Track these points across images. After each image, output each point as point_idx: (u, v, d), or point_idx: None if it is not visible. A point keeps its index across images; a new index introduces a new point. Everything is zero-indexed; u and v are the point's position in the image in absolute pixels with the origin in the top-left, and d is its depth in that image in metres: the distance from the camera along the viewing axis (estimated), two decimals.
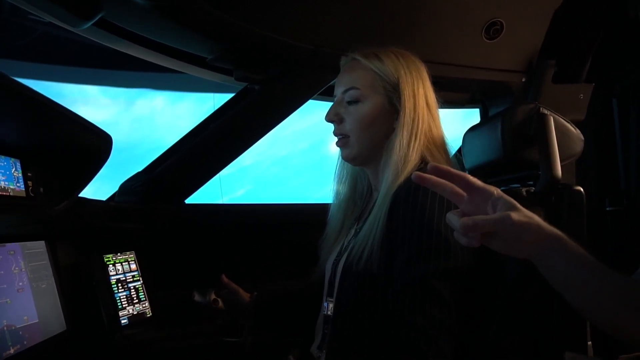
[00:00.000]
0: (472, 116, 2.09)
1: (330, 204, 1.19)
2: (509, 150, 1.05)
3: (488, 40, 1.58)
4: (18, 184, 0.91)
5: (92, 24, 1.13)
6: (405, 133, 0.99)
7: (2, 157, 0.86)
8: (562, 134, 1.05)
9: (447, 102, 1.91)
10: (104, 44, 1.36)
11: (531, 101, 1.25)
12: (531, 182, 1.07)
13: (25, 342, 1.00)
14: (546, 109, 1.04)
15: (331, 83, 1.52)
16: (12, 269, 1.03)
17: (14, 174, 0.90)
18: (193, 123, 1.55)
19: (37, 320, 1.06)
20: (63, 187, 1.03)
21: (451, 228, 0.85)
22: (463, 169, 1.26)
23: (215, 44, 1.31)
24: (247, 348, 1.30)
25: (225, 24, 1.22)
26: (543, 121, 1.01)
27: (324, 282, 1.12)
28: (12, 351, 0.95)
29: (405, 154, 0.97)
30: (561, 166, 0.99)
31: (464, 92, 1.86)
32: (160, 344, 1.32)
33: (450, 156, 1.06)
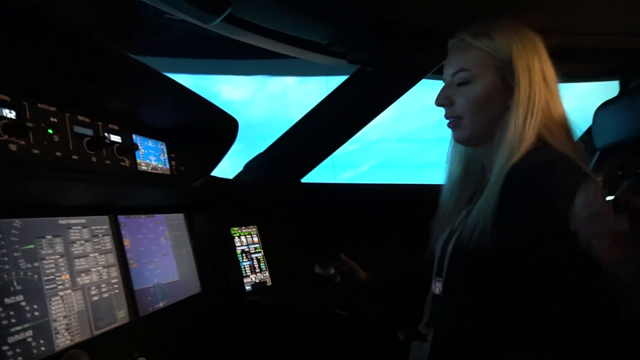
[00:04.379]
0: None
1: (443, 185, 1.18)
2: None
3: None
4: (165, 164, 1.06)
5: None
6: (520, 110, 0.94)
7: (153, 140, 1.01)
8: None
9: (578, 76, 1.74)
10: (228, 36, 1.48)
11: None
12: None
13: (171, 298, 1.18)
14: None
15: (443, 62, 1.48)
16: (160, 238, 1.21)
17: (162, 155, 1.05)
18: (318, 99, 1.60)
19: (178, 278, 1.24)
20: (198, 166, 1.18)
21: (570, 208, 0.80)
22: (592, 150, 1.15)
23: (331, 28, 1.35)
24: (358, 322, 1.36)
25: (341, 7, 1.25)
26: None
27: (433, 262, 1.13)
28: (161, 304, 1.13)
29: (520, 133, 0.93)
30: None
31: (599, 63, 1.66)
32: (280, 311, 1.44)
33: (576, 138, 0.97)
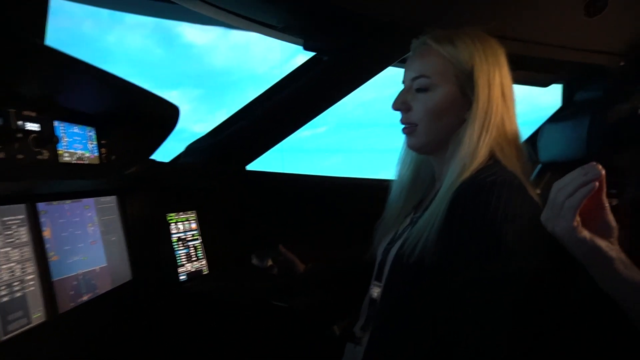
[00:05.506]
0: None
1: (391, 182, 1.16)
2: (594, 152, 0.96)
3: (587, 18, 1.40)
4: (93, 152, 0.96)
5: None
6: (476, 126, 0.93)
7: (79, 126, 0.91)
8: None
9: (527, 82, 1.77)
10: (181, 4, 1.36)
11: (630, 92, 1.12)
12: (613, 191, 0.98)
13: (97, 290, 1.10)
14: None
15: (405, 56, 1.45)
16: (88, 225, 1.12)
17: (89, 143, 0.95)
18: (281, 56, 1.50)
19: (106, 267, 1.15)
20: (133, 153, 1.08)
21: (515, 229, 0.80)
22: (534, 161, 1.16)
23: (286, 13, 1.27)
24: (294, 314, 1.35)
25: None
26: None
27: (374, 264, 1.12)
28: (85, 298, 1.05)
29: (474, 149, 0.92)
30: None
31: (548, 72, 1.70)
32: (215, 300, 1.39)
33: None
